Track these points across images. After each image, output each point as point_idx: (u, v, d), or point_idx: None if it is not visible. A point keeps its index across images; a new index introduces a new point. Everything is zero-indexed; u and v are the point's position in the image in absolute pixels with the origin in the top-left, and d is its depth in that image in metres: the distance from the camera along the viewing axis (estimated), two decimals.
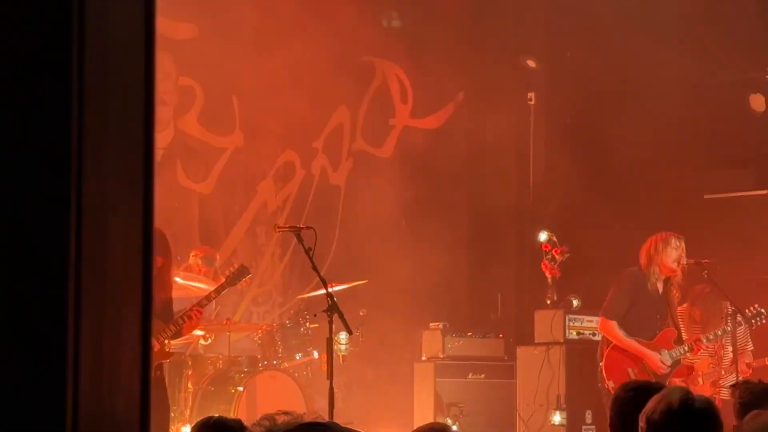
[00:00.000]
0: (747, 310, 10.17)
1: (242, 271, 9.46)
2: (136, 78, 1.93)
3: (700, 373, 10.47)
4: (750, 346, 10.68)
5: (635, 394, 4.59)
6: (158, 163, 11.89)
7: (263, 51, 12.13)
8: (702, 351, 10.15)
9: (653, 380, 7.90)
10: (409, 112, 13.54)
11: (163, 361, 9.17)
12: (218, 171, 12.39)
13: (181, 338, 9.53)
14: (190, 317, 8.98)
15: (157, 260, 9.00)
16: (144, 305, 1.91)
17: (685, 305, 10.69)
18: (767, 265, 12.40)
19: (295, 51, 12.10)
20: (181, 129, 12.18)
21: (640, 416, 4.10)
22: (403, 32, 13.45)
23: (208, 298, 9.17)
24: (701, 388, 10.10)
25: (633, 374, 9.67)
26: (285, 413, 2.66)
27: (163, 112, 12.07)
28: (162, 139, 12.03)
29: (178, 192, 12.00)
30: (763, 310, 10.22)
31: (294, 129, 12.71)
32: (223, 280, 9.51)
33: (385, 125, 13.41)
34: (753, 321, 10.19)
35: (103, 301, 1.85)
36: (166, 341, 8.91)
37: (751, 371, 10.48)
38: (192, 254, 11.01)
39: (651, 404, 4.10)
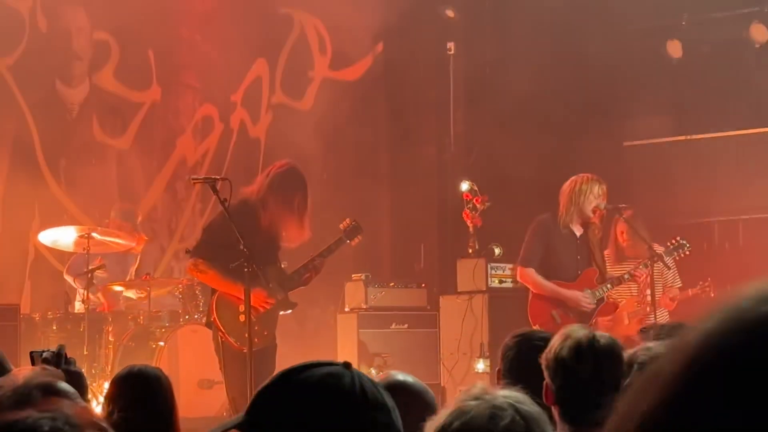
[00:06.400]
0: (669, 243, 10.19)
1: (356, 228, 9.38)
2: None
3: (625, 312, 10.45)
4: (678, 284, 10.70)
5: (520, 341, 4.63)
6: (74, 119, 11.82)
7: (179, 4, 11.99)
8: (629, 286, 10.12)
9: (577, 321, 7.91)
10: (328, 63, 13.46)
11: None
12: (136, 126, 12.27)
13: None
14: (315, 267, 8.85)
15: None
16: None
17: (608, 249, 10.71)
18: (685, 211, 12.54)
19: (212, 3, 11.97)
20: (96, 84, 12.03)
21: (543, 355, 4.12)
22: None
23: (329, 250, 9.06)
24: (627, 328, 10.04)
25: (557, 317, 9.66)
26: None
27: (77, 67, 11.91)
28: (77, 94, 11.88)
29: (94, 148, 11.87)
30: (684, 241, 10.22)
31: (212, 83, 12.60)
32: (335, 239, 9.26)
33: (304, 77, 13.32)
34: (675, 253, 10.18)
35: None
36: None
37: (675, 304, 10.54)
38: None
39: (556, 343, 4.12)
